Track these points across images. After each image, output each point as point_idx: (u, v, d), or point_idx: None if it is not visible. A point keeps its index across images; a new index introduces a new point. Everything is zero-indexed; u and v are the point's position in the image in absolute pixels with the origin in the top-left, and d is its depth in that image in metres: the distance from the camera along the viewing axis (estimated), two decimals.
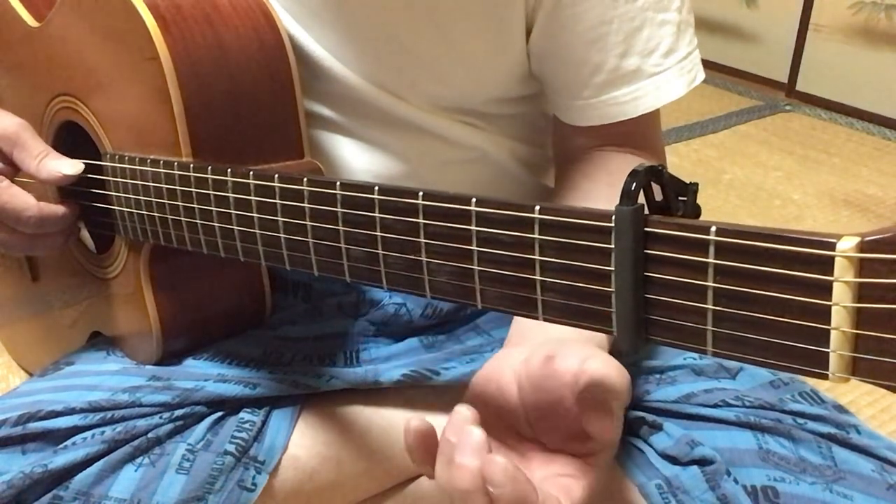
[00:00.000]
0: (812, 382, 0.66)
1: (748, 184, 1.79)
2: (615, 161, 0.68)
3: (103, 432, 0.59)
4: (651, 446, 0.61)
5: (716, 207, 1.68)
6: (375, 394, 0.68)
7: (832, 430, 0.60)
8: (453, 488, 0.44)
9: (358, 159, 0.70)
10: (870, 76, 2.10)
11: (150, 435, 0.59)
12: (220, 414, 0.62)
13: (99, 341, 0.74)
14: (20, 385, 0.68)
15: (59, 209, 0.65)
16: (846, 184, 1.79)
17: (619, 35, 0.62)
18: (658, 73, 0.64)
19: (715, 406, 0.62)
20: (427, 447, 0.46)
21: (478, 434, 0.43)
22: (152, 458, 0.59)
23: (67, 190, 0.69)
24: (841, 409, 0.63)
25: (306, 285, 0.75)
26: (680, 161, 1.90)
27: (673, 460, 0.59)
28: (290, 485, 0.63)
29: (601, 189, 0.65)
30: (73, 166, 0.63)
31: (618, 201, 0.60)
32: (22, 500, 0.56)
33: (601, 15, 0.62)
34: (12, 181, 0.63)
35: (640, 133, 0.68)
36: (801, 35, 2.23)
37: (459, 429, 0.44)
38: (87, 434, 0.59)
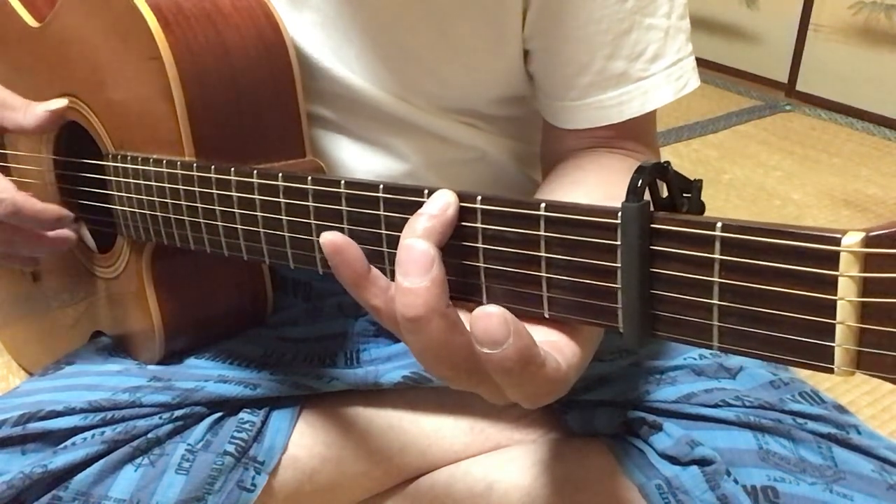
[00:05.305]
0: (812, 382, 0.67)
1: (748, 184, 1.79)
2: (607, 157, 0.67)
3: (103, 432, 0.59)
4: (651, 446, 0.61)
5: (716, 207, 1.68)
6: (376, 394, 0.68)
7: (832, 431, 0.60)
8: (403, 317, 0.36)
9: (358, 160, 0.69)
10: (870, 76, 2.10)
11: (149, 435, 0.59)
12: (219, 414, 0.62)
13: (100, 341, 0.74)
14: (20, 385, 0.68)
15: (37, 203, 0.62)
16: (846, 184, 1.79)
17: (608, 36, 0.62)
18: (645, 79, 0.63)
19: (715, 406, 0.62)
20: (349, 263, 0.39)
21: (422, 246, 0.36)
22: (152, 458, 0.59)
23: (70, 190, 0.69)
24: (841, 409, 0.63)
25: (306, 284, 0.75)
26: (680, 161, 1.90)
27: (673, 460, 0.59)
28: (290, 485, 0.63)
29: (591, 175, 0.63)
30: (57, 102, 0.65)
31: (611, 186, 0.59)
32: (22, 500, 0.55)
33: (590, 13, 0.61)
34: None
35: (631, 136, 0.67)
36: (801, 35, 2.23)
37: (405, 243, 0.36)
38: (87, 434, 0.59)
